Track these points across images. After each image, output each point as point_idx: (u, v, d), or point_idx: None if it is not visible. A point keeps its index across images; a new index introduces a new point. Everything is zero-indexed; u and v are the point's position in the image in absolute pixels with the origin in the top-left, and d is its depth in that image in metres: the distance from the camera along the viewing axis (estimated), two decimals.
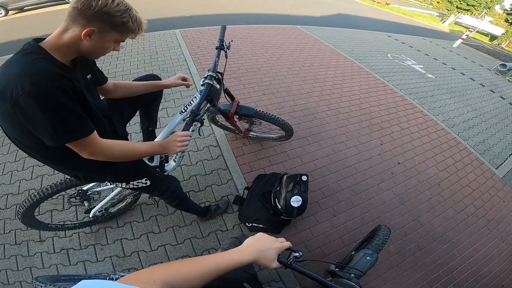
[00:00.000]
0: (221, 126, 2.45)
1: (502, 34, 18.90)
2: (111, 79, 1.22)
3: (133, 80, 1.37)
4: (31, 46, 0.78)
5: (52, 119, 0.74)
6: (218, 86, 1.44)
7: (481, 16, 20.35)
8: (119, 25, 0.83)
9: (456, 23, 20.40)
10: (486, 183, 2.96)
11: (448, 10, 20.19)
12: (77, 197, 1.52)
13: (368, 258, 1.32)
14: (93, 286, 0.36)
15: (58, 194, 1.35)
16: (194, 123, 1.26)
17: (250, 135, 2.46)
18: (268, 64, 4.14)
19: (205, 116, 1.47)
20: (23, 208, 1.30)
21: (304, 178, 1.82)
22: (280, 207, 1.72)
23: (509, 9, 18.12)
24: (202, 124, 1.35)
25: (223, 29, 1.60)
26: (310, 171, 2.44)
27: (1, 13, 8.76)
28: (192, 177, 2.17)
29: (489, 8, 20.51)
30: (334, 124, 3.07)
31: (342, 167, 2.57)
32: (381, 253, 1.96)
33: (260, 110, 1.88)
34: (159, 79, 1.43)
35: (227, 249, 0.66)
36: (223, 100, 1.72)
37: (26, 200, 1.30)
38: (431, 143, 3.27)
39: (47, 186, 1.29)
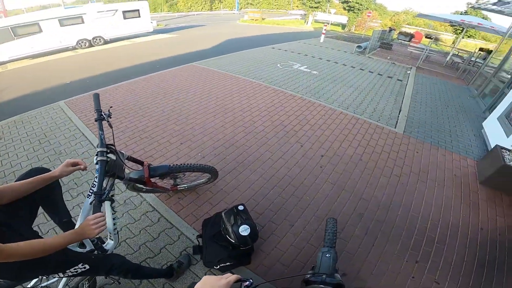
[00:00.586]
0: (148, 191, 2.31)
1: (347, 21, 24.29)
2: None
3: (15, 180, 1.27)
4: None
5: None
6: (114, 158, 1.39)
7: (328, 11, 25.53)
8: None
9: (316, 21, 25.12)
10: (395, 142, 3.64)
11: (305, 11, 24.58)
12: None
13: (327, 255, 1.37)
14: None
15: None
16: (104, 203, 1.26)
17: (179, 189, 2.42)
18: (175, 110, 4.08)
19: (112, 192, 1.46)
20: None
21: (240, 208, 1.88)
22: (234, 241, 1.74)
23: None
24: (113, 201, 1.36)
25: (96, 98, 1.49)
26: (251, 196, 2.50)
27: None
28: (142, 246, 2.07)
29: (329, 1, 25.76)
30: (255, 146, 3.25)
31: (277, 180, 2.73)
32: (352, 239, 2.15)
33: (174, 164, 1.88)
34: (47, 170, 1.34)
35: None
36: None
37: None
38: (338, 128, 3.86)
39: None
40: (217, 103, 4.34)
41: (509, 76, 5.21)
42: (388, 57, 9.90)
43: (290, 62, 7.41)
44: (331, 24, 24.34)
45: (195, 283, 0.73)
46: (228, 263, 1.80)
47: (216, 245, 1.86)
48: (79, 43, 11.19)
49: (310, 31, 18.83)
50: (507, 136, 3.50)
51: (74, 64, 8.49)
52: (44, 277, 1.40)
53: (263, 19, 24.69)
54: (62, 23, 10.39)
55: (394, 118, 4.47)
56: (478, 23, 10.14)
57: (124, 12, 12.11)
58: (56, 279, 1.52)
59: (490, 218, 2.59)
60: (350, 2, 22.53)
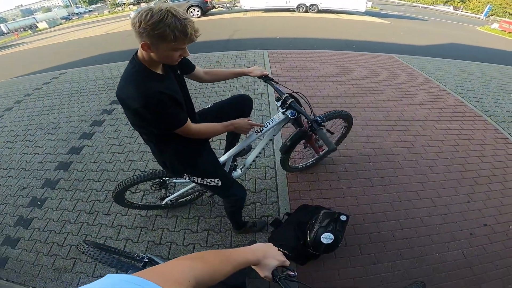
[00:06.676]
0: (291, 170, 2.38)
1: None
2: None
3: (221, 103, 1.67)
4: (137, 64, 0.99)
5: (159, 120, 1.04)
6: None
7: None
8: (161, 36, 0.87)
9: None
10: None
11: None
12: (158, 185, 1.84)
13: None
14: (118, 281, 0.33)
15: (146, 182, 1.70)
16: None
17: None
18: (348, 93, 3.93)
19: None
20: (117, 189, 1.68)
21: (343, 218, 1.67)
22: (308, 240, 1.65)
23: None
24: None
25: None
26: (362, 214, 2.16)
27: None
28: None
29: None
30: (410, 170, 2.61)
31: (404, 217, 2.16)
32: None
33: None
34: (250, 101, 1.72)
35: None
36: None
37: (119, 184, 1.66)
38: None
39: (137, 175, 1.63)
40: (396, 106, 3.73)
41: None
42: None
43: None
44: None
45: (256, 242, 0.71)
46: (287, 252, 1.72)
47: (292, 231, 1.79)
48: (299, 7, 13.05)
49: None
50: None
51: (288, 24, 9.96)
52: (186, 177, 1.43)
53: None
54: None
55: None
56: None
57: None
58: (186, 180, 1.60)
59: None
60: None
